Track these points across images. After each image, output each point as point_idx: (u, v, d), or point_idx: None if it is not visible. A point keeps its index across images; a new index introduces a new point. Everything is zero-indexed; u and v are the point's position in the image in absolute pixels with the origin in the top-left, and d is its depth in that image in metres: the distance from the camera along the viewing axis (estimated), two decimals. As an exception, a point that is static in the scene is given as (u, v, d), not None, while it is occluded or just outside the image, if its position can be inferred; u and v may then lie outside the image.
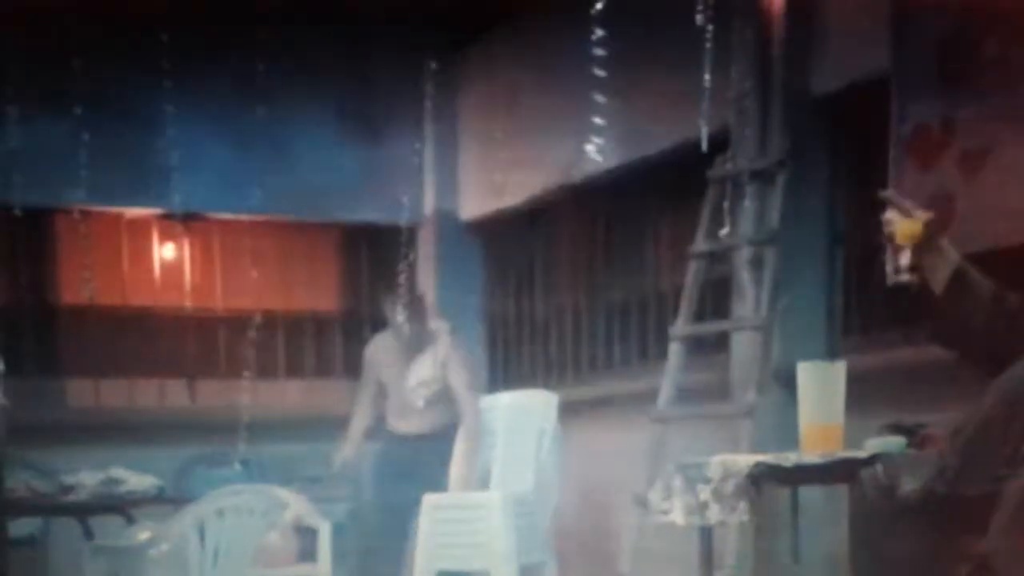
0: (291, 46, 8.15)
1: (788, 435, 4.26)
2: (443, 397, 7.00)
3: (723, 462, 3.90)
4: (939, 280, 3.52)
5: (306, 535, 6.39)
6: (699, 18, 6.40)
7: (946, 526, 3.31)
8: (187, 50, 7.89)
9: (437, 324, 7.16)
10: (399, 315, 7.12)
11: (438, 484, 6.87)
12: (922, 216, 3.53)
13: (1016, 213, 5.16)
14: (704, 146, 6.40)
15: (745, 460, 3.92)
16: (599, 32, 7.24)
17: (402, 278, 7.55)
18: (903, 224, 3.53)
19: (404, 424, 7.10)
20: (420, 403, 7.05)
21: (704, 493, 3.87)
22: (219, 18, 7.83)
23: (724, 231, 6.35)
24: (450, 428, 6.98)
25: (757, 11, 6.29)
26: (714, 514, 3.87)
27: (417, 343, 7.08)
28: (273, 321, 8.52)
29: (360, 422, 7.27)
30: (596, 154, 7.52)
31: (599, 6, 7.19)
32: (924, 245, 3.52)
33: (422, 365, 7.06)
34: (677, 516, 4.00)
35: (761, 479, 3.83)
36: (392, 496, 6.96)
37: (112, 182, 8.01)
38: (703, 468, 3.92)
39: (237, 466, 8.11)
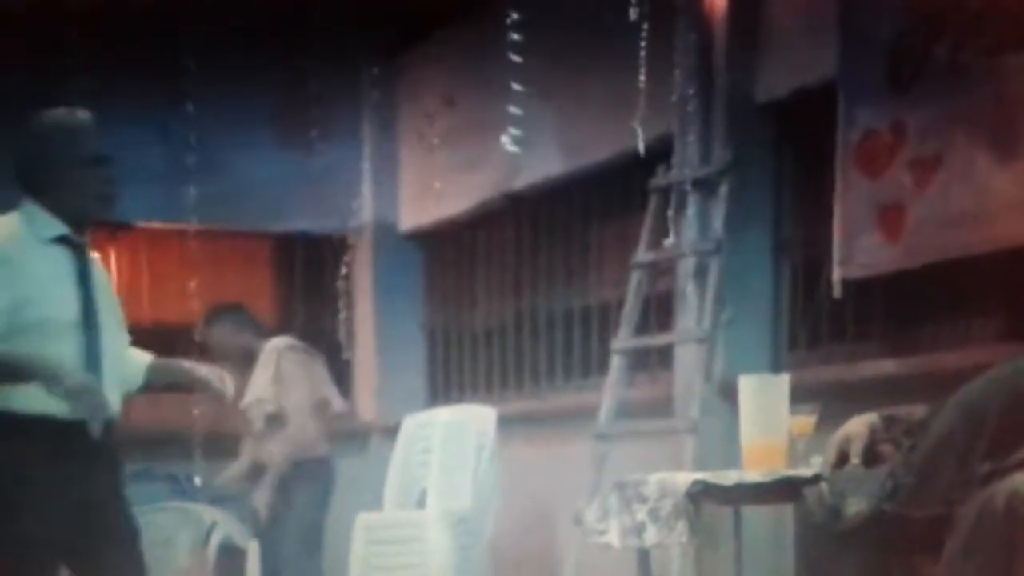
0: (223, 49, 7.95)
1: (736, 453, 4.15)
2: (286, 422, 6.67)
3: (661, 480, 3.78)
4: None
5: (233, 555, 6.22)
6: (640, 22, 6.32)
7: (895, 548, 3.22)
8: (113, 53, 7.67)
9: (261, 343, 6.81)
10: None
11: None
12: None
13: (970, 222, 5.02)
14: (642, 153, 6.31)
15: (683, 478, 3.79)
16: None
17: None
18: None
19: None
20: (259, 424, 6.71)
21: (641, 513, 3.74)
22: (147, 19, 7.63)
23: (669, 240, 6.26)
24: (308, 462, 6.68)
25: (699, 15, 6.19)
26: (651, 535, 3.74)
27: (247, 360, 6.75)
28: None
29: None
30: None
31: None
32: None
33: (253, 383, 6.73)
34: (613, 537, 3.88)
35: (700, 498, 3.70)
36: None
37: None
38: (640, 487, 3.79)
39: (165, 483, 7.89)
